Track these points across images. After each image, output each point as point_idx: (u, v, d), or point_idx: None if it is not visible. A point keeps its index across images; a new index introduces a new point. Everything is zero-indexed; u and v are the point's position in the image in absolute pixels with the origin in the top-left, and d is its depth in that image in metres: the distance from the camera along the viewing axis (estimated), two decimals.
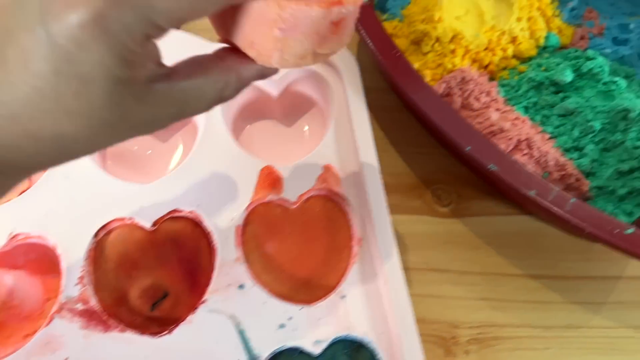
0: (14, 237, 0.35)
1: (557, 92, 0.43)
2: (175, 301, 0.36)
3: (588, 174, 0.41)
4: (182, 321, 0.34)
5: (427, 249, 0.42)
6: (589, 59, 0.43)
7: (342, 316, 0.35)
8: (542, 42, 0.46)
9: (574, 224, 0.35)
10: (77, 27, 0.16)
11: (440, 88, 0.43)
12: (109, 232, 0.36)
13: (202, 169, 0.38)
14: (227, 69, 0.21)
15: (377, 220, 0.37)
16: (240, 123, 0.44)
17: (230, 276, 0.35)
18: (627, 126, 0.40)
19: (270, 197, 0.38)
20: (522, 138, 0.40)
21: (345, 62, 0.41)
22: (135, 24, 0.17)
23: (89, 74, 0.17)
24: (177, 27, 0.18)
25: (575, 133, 0.41)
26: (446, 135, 0.37)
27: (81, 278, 0.34)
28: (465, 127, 0.37)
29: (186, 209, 0.37)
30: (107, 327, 0.34)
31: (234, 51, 0.22)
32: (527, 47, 0.45)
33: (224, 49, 0.22)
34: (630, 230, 0.35)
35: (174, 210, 0.37)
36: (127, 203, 0.36)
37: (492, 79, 0.45)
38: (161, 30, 0.18)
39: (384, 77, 0.43)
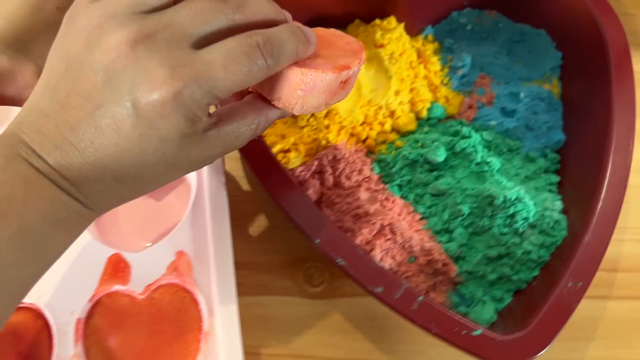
0: None
1: (431, 170, 0.42)
2: None
3: (458, 258, 0.40)
4: None
5: (293, 333, 0.41)
6: (464, 137, 0.42)
7: None
8: (424, 114, 0.45)
9: (419, 324, 0.34)
10: (160, 103, 0.22)
11: (312, 165, 0.42)
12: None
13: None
14: (258, 113, 0.26)
15: (224, 313, 0.36)
16: None
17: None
18: (493, 212, 0.39)
19: (117, 287, 0.37)
20: (386, 223, 0.39)
21: None
22: (202, 98, 0.22)
23: (167, 135, 0.22)
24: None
25: (446, 215, 0.40)
26: (298, 227, 0.36)
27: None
28: (317, 218, 0.36)
29: (26, 300, 0.36)
30: None
31: (261, 97, 0.27)
32: (405, 121, 0.44)
33: (253, 95, 0.27)
34: (478, 332, 0.34)
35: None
36: None
37: (371, 152, 0.44)
38: (218, 99, 0.23)
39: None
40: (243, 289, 0.42)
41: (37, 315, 0.36)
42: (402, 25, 0.47)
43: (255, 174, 0.37)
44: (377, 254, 0.38)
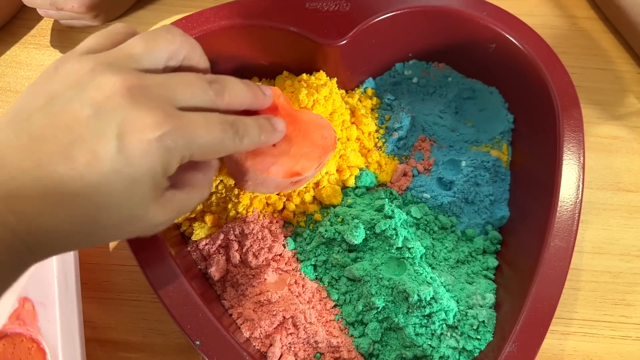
0: None
1: (350, 251, 0.38)
2: None
3: (370, 355, 0.36)
4: None
5: None
6: (386, 216, 0.37)
7: None
8: (351, 182, 0.40)
9: None
10: (147, 140, 0.23)
11: (218, 238, 0.37)
12: None
13: None
14: (209, 182, 0.30)
15: None
16: None
17: None
18: (408, 309, 0.35)
19: None
20: (288, 315, 0.35)
21: None
22: (182, 148, 0.24)
23: (141, 176, 0.23)
24: (198, 159, 0.26)
25: (360, 306, 0.36)
26: (179, 326, 0.32)
27: None
28: (201, 317, 0.32)
29: None
30: None
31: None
32: (329, 193, 0.39)
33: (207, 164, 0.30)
34: None
35: None
36: None
37: (289, 223, 0.40)
38: (190, 158, 0.25)
39: None
40: None
41: None
42: (334, 80, 0.42)
43: (136, 259, 0.33)
44: (277, 351, 0.34)
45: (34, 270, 0.36)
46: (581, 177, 0.37)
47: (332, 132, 0.37)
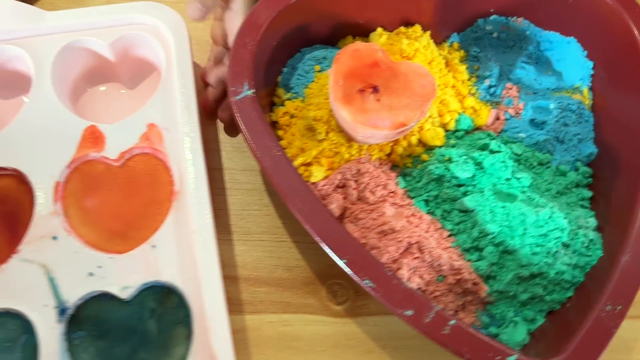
0: None
1: (459, 186, 0.41)
2: None
3: (488, 277, 0.39)
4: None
5: (316, 353, 0.40)
6: (492, 152, 0.40)
7: (151, 264, 0.37)
8: (452, 126, 0.43)
9: (451, 349, 0.33)
10: None
11: (335, 179, 0.41)
12: None
13: (26, 129, 0.41)
14: None
15: (192, 174, 0.39)
16: (82, 85, 0.47)
17: (46, 228, 0.37)
18: (525, 231, 0.38)
19: (93, 154, 0.40)
20: (413, 241, 0.38)
21: (175, 30, 0.43)
22: None
23: None
24: None
25: (475, 233, 0.39)
26: (326, 249, 0.35)
27: None
28: (344, 238, 0.35)
29: (10, 165, 0.39)
30: None
31: None
32: (433, 135, 0.42)
33: None
34: (512, 358, 0.33)
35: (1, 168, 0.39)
36: None
37: (395, 166, 0.43)
38: None
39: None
40: (265, 307, 0.41)
41: (20, 180, 0.39)
42: (428, 33, 0.45)
43: (279, 191, 0.36)
44: (405, 273, 0.37)
45: (160, 99, 0.42)
46: None
47: (431, 80, 0.40)
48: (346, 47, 0.41)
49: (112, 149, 0.40)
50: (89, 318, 0.35)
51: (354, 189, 0.40)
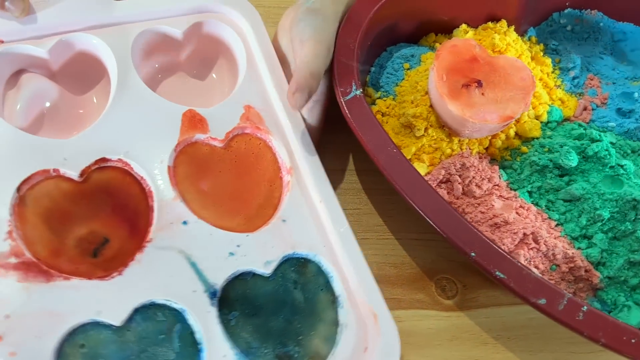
0: None
1: (561, 176, 0.42)
2: (117, 246, 0.36)
3: (598, 264, 0.40)
4: (131, 261, 0.34)
5: (433, 347, 0.40)
6: (594, 140, 0.42)
7: (286, 237, 0.37)
8: (544, 117, 0.44)
9: (587, 335, 0.34)
10: None
11: (439, 174, 0.41)
12: (33, 185, 0.36)
13: (123, 119, 0.39)
14: None
15: (302, 149, 0.40)
16: (153, 73, 0.46)
17: (172, 215, 0.36)
18: (637, 216, 0.39)
19: (198, 135, 0.39)
20: (528, 232, 0.39)
21: (247, 16, 0.44)
22: None
23: None
24: None
25: (583, 221, 0.40)
26: (450, 241, 0.35)
27: (9, 233, 0.34)
28: (470, 231, 0.35)
29: (113, 157, 0.38)
30: (49, 277, 0.33)
31: None
32: (530, 126, 0.43)
33: None
34: None
35: (102, 159, 0.38)
36: (50, 157, 0.37)
37: (493, 159, 0.44)
38: None
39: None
40: None
41: (125, 171, 0.38)
42: (513, 28, 0.46)
43: (399, 188, 0.36)
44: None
45: (249, 83, 0.42)
46: None
47: (529, 73, 0.41)
48: (444, 44, 0.41)
49: (217, 130, 0.40)
50: (237, 298, 0.35)
51: (459, 183, 0.41)
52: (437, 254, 0.43)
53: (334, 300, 0.36)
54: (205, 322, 0.34)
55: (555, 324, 0.41)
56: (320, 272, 0.37)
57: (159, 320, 0.34)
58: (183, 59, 0.46)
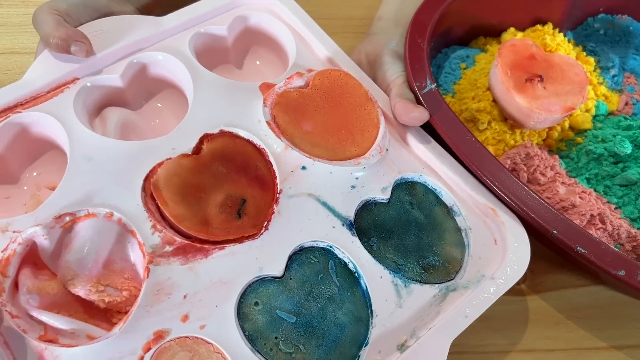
0: (59, 217, 0.37)
1: (616, 163, 0.46)
2: (255, 203, 0.40)
3: None
4: (272, 214, 0.39)
5: (512, 329, 0.44)
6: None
7: (392, 165, 0.43)
8: (593, 111, 0.49)
9: None
10: None
11: (505, 164, 0.45)
12: (155, 172, 0.40)
13: (209, 105, 0.44)
14: None
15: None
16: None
17: (289, 164, 0.41)
18: None
19: (279, 86, 0.43)
20: (595, 213, 0.43)
21: (287, 3, 0.49)
22: None
23: None
24: None
25: None
26: (534, 221, 0.39)
27: (154, 226, 0.37)
28: (550, 211, 0.39)
29: (215, 131, 0.42)
30: (206, 252, 0.37)
31: None
32: (582, 119, 0.48)
33: None
34: None
35: (205, 135, 0.42)
36: (160, 153, 0.41)
37: (550, 150, 0.48)
38: None
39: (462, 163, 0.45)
40: None
41: (233, 136, 0.42)
42: (557, 30, 0.52)
43: (481, 175, 0.40)
44: None
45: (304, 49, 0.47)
46: None
47: (582, 69, 0.46)
48: (504, 43, 0.46)
49: (297, 80, 0.44)
50: (370, 226, 0.40)
51: (525, 172, 0.45)
52: None
53: (448, 211, 0.42)
54: (352, 252, 0.38)
55: (617, 302, 0.45)
56: (427, 190, 0.43)
57: (313, 262, 0.38)
58: (227, 53, 0.51)
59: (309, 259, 0.38)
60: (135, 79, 0.47)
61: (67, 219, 0.37)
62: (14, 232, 0.38)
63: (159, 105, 0.49)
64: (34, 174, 0.46)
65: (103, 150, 0.41)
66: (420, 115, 0.41)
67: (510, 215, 0.41)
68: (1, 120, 0.43)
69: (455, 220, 0.42)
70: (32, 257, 0.37)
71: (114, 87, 0.46)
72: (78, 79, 0.45)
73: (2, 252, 0.36)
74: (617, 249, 0.39)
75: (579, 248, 0.38)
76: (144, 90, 0.48)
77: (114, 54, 0.46)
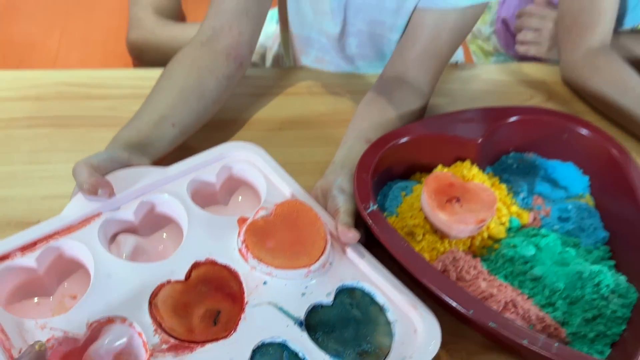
0: (90, 325, 0.50)
1: (525, 263, 0.60)
2: (227, 313, 0.53)
3: (563, 323, 0.56)
4: (240, 320, 0.52)
5: None
6: (544, 236, 0.60)
7: (335, 274, 0.56)
8: (507, 225, 0.64)
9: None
10: None
11: (437, 266, 0.58)
12: (157, 294, 0.53)
13: (200, 236, 0.58)
14: None
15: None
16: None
17: (254, 281, 0.55)
18: (583, 284, 0.56)
19: (250, 218, 0.58)
20: (508, 300, 0.55)
21: (261, 156, 0.66)
22: None
23: None
24: None
25: (547, 292, 0.57)
26: (457, 307, 0.51)
27: (155, 330, 0.50)
28: (469, 297, 0.52)
29: (202, 259, 0.56)
30: (192, 349, 0.50)
31: None
32: (498, 231, 0.62)
33: None
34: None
35: (195, 263, 0.56)
36: (163, 274, 0.55)
37: (474, 256, 0.61)
38: None
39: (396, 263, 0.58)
40: None
41: (214, 263, 0.56)
42: (475, 165, 0.68)
43: (413, 271, 0.53)
44: None
45: (272, 195, 0.56)
46: None
47: (492, 192, 0.61)
48: (430, 176, 0.62)
49: (262, 212, 0.59)
50: (317, 323, 0.52)
51: (453, 272, 0.58)
52: (445, 330, 0.58)
53: (380, 309, 0.54)
54: (302, 344, 0.50)
55: None
56: (364, 293, 0.55)
57: (271, 354, 0.50)
58: (216, 194, 0.66)
59: (268, 352, 0.50)
60: (145, 213, 0.62)
61: (95, 324, 0.51)
62: (51, 328, 0.50)
63: (164, 234, 0.64)
64: (64, 285, 0.59)
65: (120, 269, 0.55)
66: (354, 236, 0.56)
67: (426, 310, 0.53)
68: (42, 246, 0.57)
69: (386, 315, 0.54)
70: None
71: (129, 221, 0.61)
72: (102, 213, 0.59)
73: (47, 341, 0.48)
74: (520, 324, 0.50)
75: (491, 323, 0.50)
76: (152, 222, 0.63)
77: (129, 195, 0.61)
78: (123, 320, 0.51)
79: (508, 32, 1.06)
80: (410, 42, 0.75)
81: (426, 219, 0.61)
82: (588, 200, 0.68)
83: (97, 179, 0.57)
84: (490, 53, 1.19)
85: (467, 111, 0.71)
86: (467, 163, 0.68)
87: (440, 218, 0.58)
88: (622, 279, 0.59)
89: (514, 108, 0.72)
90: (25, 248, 0.56)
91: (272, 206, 0.59)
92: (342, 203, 0.59)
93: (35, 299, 0.57)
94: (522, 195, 0.68)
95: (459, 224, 0.58)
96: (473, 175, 0.65)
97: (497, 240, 0.63)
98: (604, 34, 0.83)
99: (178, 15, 1.41)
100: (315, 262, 0.54)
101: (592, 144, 0.68)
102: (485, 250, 0.62)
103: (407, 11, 0.75)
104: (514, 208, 0.66)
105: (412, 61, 0.75)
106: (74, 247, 0.57)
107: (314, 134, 0.78)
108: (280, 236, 0.57)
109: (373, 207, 0.58)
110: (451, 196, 0.60)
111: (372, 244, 0.59)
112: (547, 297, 0.57)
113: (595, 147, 0.68)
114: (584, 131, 0.69)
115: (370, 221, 0.57)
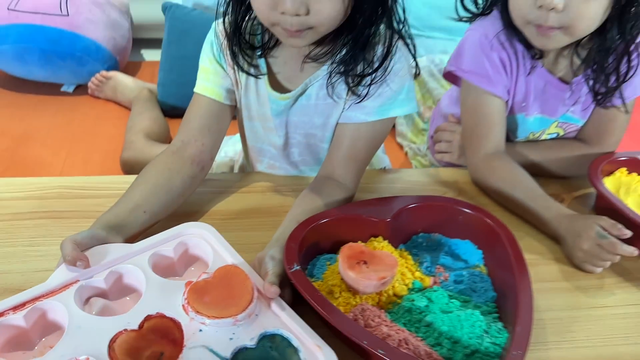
0: None
1: (421, 312, 0.74)
2: (169, 354, 0.66)
3: (448, 359, 0.69)
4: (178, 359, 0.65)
5: None
6: (434, 291, 0.75)
7: (260, 323, 0.69)
8: (410, 286, 0.78)
9: None
10: None
11: (349, 316, 0.72)
12: (115, 340, 0.66)
13: (153, 297, 0.73)
14: None
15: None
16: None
17: (192, 329, 0.68)
18: (462, 326, 0.70)
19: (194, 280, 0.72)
20: (402, 338, 0.69)
21: (212, 234, 0.82)
22: None
23: None
24: None
25: (435, 334, 0.71)
26: (360, 344, 0.65)
27: None
28: (371, 336, 0.66)
29: (153, 313, 0.70)
30: None
31: None
32: (400, 290, 0.77)
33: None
34: None
35: (147, 316, 0.70)
36: (120, 324, 0.69)
37: (381, 308, 0.76)
38: None
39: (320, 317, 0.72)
40: None
41: (163, 315, 0.70)
42: (387, 241, 0.84)
43: (331, 321, 0.67)
44: None
45: (219, 260, 0.70)
46: (526, 271, 0.77)
47: (394, 257, 0.78)
48: (344, 246, 0.78)
49: (204, 275, 0.73)
50: None
51: (362, 320, 0.72)
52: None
53: (295, 350, 0.66)
54: None
55: None
56: (283, 338, 0.67)
57: None
58: (175, 263, 0.82)
59: None
60: (113, 281, 0.77)
61: None
62: None
63: (128, 298, 0.78)
64: (45, 340, 0.73)
65: (88, 322, 0.70)
66: (275, 291, 0.70)
67: (328, 348, 0.66)
68: (30, 305, 0.71)
69: (299, 355, 0.66)
70: None
71: (100, 287, 0.76)
72: (79, 280, 0.75)
73: None
74: (406, 353, 0.64)
75: (379, 351, 0.63)
76: (119, 288, 0.78)
77: (102, 266, 0.77)
78: None
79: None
80: (335, 149, 0.96)
81: (342, 279, 0.76)
82: (482, 269, 0.84)
83: (77, 253, 0.74)
84: (427, 166, 1.41)
85: (378, 199, 0.89)
86: (380, 238, 0.84)
87: (350, 275, 0.74)
88: (500, 324, 0.73)
89: (416, 196, 0.90)
90: (17, 308, 0.71)
91: (213, 271, 0.74)
92: (272, 267, 0.75)
93: (21, 352, 0.71)
94: (425, 264, 0.83)
95: (365, 280, 0.73)
96: (382, 247, 0.82)
97: (401, 297, 0.77)
98: (496, 141, 1.04)
99: (166, 139, 1.65)
100: (241, 312, 0.68)
101: (479, 222, 0.85)
102: (391, 305, 0.76)
103: (332, 126, 0.97)
104: (418, 274, 0.81)
105: (338, 163, 0.95)
106: (55, 306, 0.72)
107: (264, 221, 0.95)
108: (215, 293, 0.71)
109: (296, 267, 0.73)
110: (360, 260, 0.76)
111: (298, 300, 0.73)
112: (436, 338, 0.71)
113: (482, 224, 0.85)
114: (469, 211, 0.86)
115: (293, 279, 0.72)
